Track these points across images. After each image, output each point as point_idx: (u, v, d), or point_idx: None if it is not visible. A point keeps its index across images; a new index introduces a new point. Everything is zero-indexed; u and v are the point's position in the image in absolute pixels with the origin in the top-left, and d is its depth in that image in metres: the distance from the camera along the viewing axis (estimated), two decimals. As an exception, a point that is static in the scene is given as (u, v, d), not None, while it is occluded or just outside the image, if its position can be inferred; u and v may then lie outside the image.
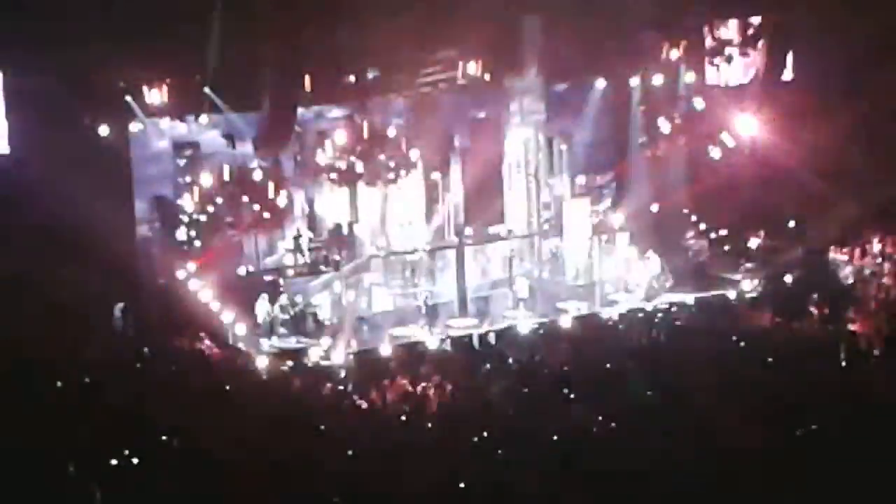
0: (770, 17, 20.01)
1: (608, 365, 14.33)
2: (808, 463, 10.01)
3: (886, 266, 18.75)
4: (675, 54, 19.99)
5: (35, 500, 9.33)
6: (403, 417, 13.71)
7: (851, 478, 9.37)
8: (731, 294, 18.76)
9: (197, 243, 18.85)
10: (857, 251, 19.15)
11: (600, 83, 20.12)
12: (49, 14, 16.88)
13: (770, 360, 14.33)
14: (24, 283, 17.11)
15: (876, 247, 19.16)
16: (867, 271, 18.89)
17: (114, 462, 10.76)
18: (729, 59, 20.41)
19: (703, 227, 20.82)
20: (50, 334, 15.21)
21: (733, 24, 20.71)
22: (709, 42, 20.69)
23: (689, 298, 18.28)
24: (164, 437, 11.55)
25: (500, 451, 11.35)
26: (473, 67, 18.83)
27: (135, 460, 10.83)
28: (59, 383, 13.16)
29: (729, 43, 20.53)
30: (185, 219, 18.82)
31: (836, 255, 19.27)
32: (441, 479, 10.46)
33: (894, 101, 19.54)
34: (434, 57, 18.54)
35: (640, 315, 17.78)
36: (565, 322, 17.65)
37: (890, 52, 19.13)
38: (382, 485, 10.20)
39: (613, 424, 11.92)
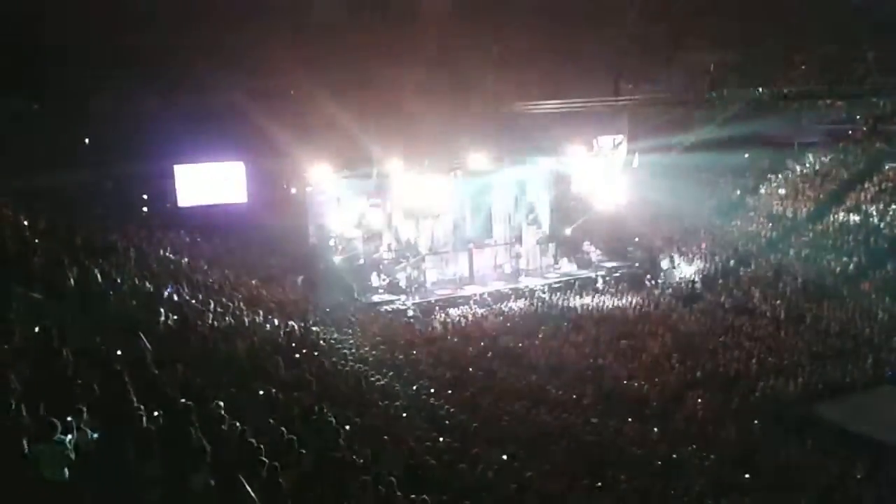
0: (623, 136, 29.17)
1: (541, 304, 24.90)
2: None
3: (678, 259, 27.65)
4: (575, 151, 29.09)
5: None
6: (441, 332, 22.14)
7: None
8: (602, 272, 28.03)
9: (339, 246, 26.62)
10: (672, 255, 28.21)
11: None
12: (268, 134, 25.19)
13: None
14: (256, 265, 23.72)
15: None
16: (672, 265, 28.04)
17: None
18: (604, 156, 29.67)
19: (590, 241, 29.99)
20: (268, 289, 21.07)
21: (606, 138, 30.80)
22: (594, 146, 30.25)
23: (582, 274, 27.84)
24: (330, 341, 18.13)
25: (489, 354, 20.19)
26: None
27: (323, 343, 16.64)
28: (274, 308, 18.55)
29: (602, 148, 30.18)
30: (333, 234, 26.77)
31: (661, 255, 28.42)
32: (454, 359, 19.07)
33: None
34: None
35: (556, 285, 26.76)
36: (521, 286, 26.58)
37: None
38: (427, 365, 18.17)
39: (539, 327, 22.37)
